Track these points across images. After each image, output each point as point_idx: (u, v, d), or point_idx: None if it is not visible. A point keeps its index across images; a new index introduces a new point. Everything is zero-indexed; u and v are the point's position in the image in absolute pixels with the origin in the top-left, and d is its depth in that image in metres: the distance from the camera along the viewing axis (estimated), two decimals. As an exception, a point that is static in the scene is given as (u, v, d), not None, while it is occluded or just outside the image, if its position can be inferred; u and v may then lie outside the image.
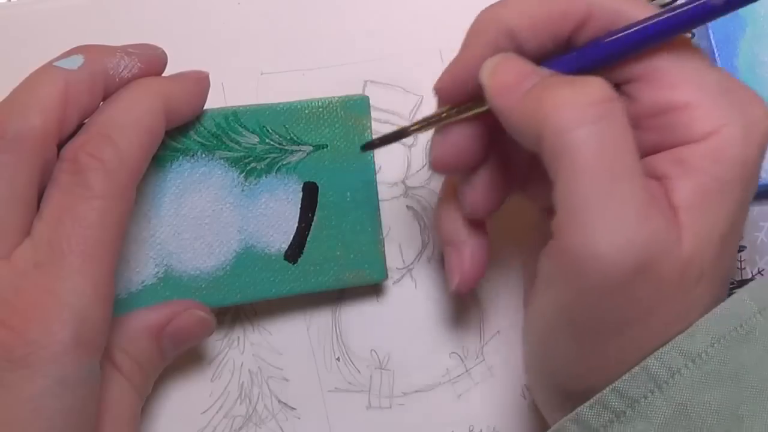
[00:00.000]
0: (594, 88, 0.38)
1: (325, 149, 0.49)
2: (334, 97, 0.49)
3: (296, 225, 0.49)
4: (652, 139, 0.41)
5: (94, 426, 0.41)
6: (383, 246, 0.51)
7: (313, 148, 0.49)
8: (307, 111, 0.48)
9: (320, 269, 0.50)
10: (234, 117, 0.47)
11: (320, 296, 0.52)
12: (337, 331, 0.53)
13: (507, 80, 0.41)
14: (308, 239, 0.49)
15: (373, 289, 0.53)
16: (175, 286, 0.48)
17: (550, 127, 0.38)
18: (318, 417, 0.52)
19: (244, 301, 0.49)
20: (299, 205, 0.49)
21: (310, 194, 0.49)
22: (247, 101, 0.49)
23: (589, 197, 0.37)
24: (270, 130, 0.48)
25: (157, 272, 0.48)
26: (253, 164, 0.48)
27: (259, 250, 0.49)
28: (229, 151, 0.48)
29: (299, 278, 0.49)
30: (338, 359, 0.53)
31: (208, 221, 0.48)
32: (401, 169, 0.54)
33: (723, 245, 0.40)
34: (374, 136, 0.49)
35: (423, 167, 0.54)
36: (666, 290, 0.38)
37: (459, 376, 0.53)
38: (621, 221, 0.37)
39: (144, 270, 0.47)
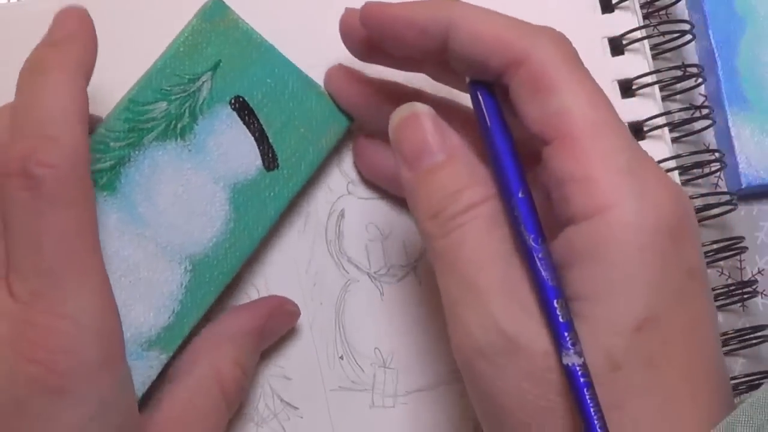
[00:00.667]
0: (461, 201, 0.40)
1: (221, 64, 0.49)
2: (192, 20, 0.49)
3: (252, 138, 0.49)
4: (559, 213, 0.40)
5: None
6: (330, 97, 0.51)
7: (211, 71, 0.49)
8: (182, 49, 0.48)
9: (299, 155, 0.50)
10: (134, 103, 0.47)
11: (323, 291, 0.52)
12: (341, 329, 0.52)
13: (408, 150, 0.42)
14: (270, 141, 0.49)
15: (377, 287, 0.53)
16: (207, 266, 0.48)
17: (421, 232, 0.42)
18: (320, 416, 0.51)
19: (269, 228, 0.50)
20: (242, 123, 0.49)
21: (241, 107, 0.49)
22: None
23: (456, 295, 0.40)
24: (168, 87, 0.48)
25: (185, 267, 0.48)
26: (179, 124, 0.48)
27: (243, 181, 0.49)
28: (152, 131, 0.47)
29: (291, 175, 0.50)
30: (341, 358, 0.52)
31: (186, 197, 0.48)
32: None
33: (645, 332, 0.38)
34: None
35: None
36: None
37: (464, 374, 0.53)
38: (484, 308, 0.39)
39: (174, 276, 0.47)
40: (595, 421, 0.36)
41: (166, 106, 0.48)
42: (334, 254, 0.53)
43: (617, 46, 0.55)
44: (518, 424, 0.39)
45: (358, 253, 0.53)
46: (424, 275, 0.53)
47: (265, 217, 0.49)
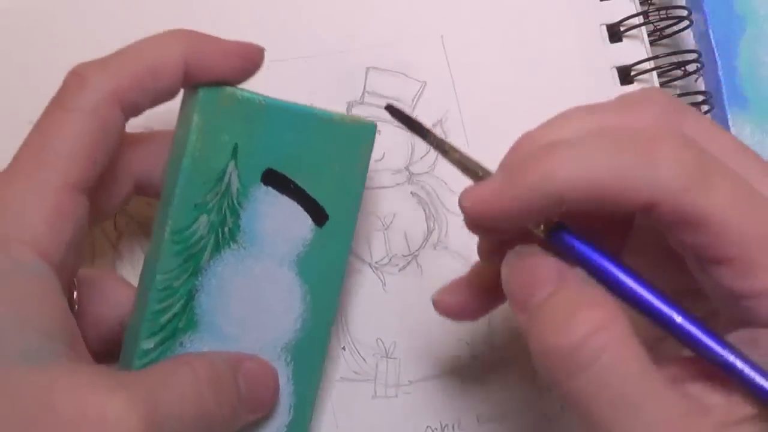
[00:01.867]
0: (580, 325, 0.36)
1: (238, 147, 0.45)
2: (192, 117, 0.44)
3: (295, 203, 0.47)
4: (728, 314, 0.38)
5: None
6: (346, 116, 0.47)
7: (233, 159, 0.45)
8: (197, 153, 0.44)
9: (343, 193, 0.47)
10: (176, 233, 0.44)
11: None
12: (343, 320, 0.52)
13: (518, 287, 0.39)
14: (312, 195, 0.46)
15: (378, 277, 0.53)
16: (303, 348, 0.47)
17: (548, 375, 0.37)
18: (323, 407, 0.51)
19: (343, 279, 0.48)
20: (279, 193, 0.46)
21: (272, 178, 0.46)
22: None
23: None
24: (201, 200, 0.44)
25: (286, 360, 0.47)
26: (225, 228, 0.45)
27: (303, 249, 0.47)
28: (205, 250, 0.45)
29: (343, 218, 0.47)
30: (344, 348, 0.52)
31: (259, 293, 0.46)
32: (405, 155, 0.54)
33: None
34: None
35: (427, 153, 0.54)
36: None
37: (466, 363, 0.52)
38: None
39: (280, 374, 0.47)
40: None
41: (207, 219, 0.45)
42: (335, 245, 0.53)
43: (615, 33, 0.56)
44: None
45: (360, 244, 0.53)
46: (425, 265, 0.53)
47: (335, 271, 0.47)
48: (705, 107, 0.57)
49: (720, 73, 0.59)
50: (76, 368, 0.37)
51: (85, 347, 0.40)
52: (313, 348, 0.47)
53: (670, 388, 0.36)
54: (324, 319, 0.47)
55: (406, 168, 0.53)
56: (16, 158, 0.41)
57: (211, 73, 0.43)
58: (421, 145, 0.53)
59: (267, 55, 0.52)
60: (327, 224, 0.47)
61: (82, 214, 0.41)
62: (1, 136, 0.50)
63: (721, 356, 0.37)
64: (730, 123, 0.58)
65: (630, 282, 0.38)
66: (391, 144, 0.53)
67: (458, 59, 0.54)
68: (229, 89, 0.44)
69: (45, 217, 0.39)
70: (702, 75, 0.60)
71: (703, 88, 0.59)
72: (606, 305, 0.37)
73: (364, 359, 0.52)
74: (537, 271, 0.39)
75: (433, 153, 0.53)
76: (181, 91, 0.44)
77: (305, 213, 0.47)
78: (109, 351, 0.45)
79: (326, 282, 0.47)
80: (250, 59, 0.45)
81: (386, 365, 0.52)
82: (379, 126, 0.52)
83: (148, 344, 0.44)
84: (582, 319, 0.36)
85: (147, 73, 0.42)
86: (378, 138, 0.51)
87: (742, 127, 0.58)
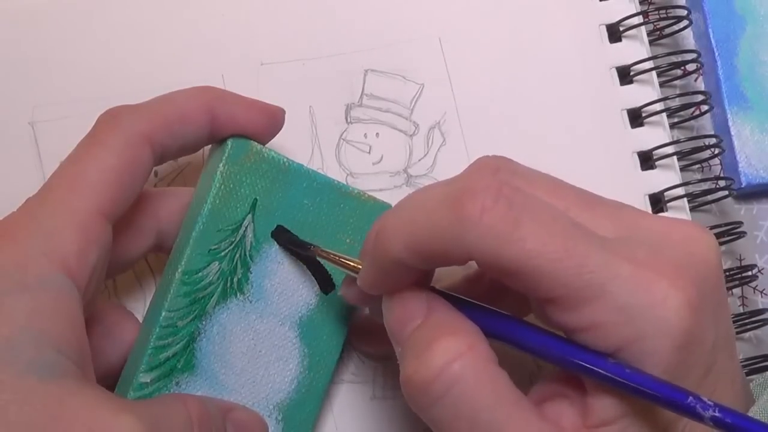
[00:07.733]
0: (436, 356, 0.38)
1: (258, 202, 0.47)
2: (218, 166, 0.46)
3: (305, 267, 0.48)
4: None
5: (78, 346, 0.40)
6: (364, 193, 0.49)
7: (251, 213, 0.47)
8: (218, 201, 0.46)
9: None
10: (187, 274, 0.46)
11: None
12: (341, 321, 0.52)
13: (394, 321, 0.42)
14: (322, 263, 0.48)
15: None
16: (295, 408, 0.48)
17: (411, 403, 0.40)
18: (322, 409, 0.51)
19: (342, 346, 0.49)
20: (291, 254, 0.48)
21: (285, 237, 0.47)
22: (248, 93, 0.48)
23: None
24: (215, 246, 0.46)
25: (276, 418, 0.48)
26: (234, 278, 0.47)
27: (307, 313, 0.48)
28: (212, 296, 0.46)
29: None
30: (342, 350, 0.52)
31: (258, 348, 0.47)
32: (403, 157, 0.54)
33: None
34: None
35: (425, 156, 0.54)
36: None
37: (465, 364, 0.52)
38: None
39: (269, 426, 0.47)
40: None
41: (219, 266, 0.46)
42: (334, 247, 0.53)
43: (614, 33, 0.56)
44: None
45: (358, 246, 0.53)
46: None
47: (335, 338, 0.49)
48: (705, 107, 0.57)
49: (720, 72, 0.59)
50: (85, 386, 0.38)
51: (93, 369, 0.41)
52: (305, 410, 0.48)
53: (528, 411, 0.38)
54: (319, 384, 0.49)
55: (405, 170, 0.54)
56: (48, 184, 0.42)
57: (235, 124, 0.46)
58: (419, 147, 0.54)
59: (265, 58, 0.53)
60: (332, 294, 0.48)
61: (107, 242, 0.43)
62: (1, 136, 0.51)
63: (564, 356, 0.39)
64: (730, 122, 0.58)
65: (481, 313, 0.41)
66: (390, 146, 0.53)
67: (456, 61, 0.54)
68: (256, 145, 0.46)
69: (74, 238, 0.41)
70: (702, 74, 0.60)
71: (702, 88, 0.59)
72: (465, 333, 0.39)
73: (362, 361, 0.52)
74: (408, 304, 0.41)
75: (432, 155, 0.53)
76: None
77: (313, 279, 0.48)
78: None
79: (325, 348, 0.49)
80: (272, 115, 0.47)
81: (384, 367, 0.52)
82: (377, 128, 0.53)
83: (145, 378, 0.45)
84: (439, 350, 0.38)
85: (175, 116, 0.44)
86: (376, 140, 0.51)
87: (742, 127, 0.58)
